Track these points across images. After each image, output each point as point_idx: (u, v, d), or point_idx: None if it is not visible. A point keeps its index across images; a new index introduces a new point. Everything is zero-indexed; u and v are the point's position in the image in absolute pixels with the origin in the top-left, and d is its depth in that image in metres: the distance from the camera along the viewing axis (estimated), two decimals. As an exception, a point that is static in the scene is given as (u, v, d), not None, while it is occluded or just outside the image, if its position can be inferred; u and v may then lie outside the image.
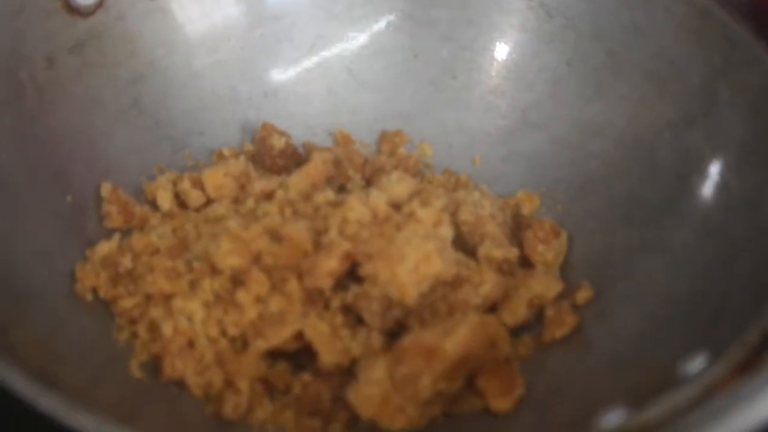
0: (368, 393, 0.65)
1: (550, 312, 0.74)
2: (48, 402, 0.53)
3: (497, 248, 0.74)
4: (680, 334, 0.66)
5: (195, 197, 0.80)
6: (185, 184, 0.80)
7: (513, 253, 0.76)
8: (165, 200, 0.80)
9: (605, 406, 0.61)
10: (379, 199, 0.71)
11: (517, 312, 0.72)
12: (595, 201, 0.83)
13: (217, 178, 0.79)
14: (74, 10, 0.80)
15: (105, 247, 0.73)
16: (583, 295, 0.76)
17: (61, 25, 0.79)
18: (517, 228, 0.82)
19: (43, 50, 0.78)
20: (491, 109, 0.91)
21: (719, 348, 0.60)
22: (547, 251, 0.78)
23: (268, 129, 0.87)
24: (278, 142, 0.85)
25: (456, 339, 0.65)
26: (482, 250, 0.74)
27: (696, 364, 0.61)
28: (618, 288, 0.75)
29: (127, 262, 0.72)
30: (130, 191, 0.80)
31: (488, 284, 0.72)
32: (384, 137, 0.90)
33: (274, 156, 0.85)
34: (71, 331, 0.67)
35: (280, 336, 0.67)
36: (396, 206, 0.73)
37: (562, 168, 0.86)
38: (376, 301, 0.69)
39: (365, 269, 0.68)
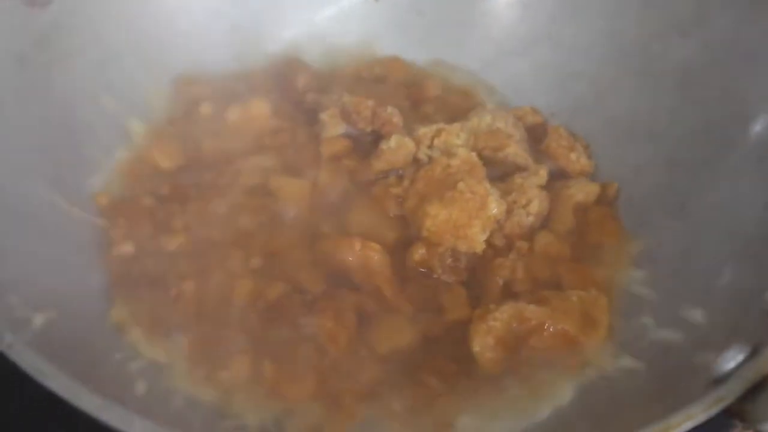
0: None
1: (593, 215, 0.76)
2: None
3: (532, 175, 0.77)
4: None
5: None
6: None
7: (544, 170, 0.78)
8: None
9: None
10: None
11: (565, 220, 0.74)
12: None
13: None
14: (33, 2, 0.74)
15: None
16: (611, 190, 0.78)
17: (24, 22, 0.74)
18: (534, 140, 0.83)
19: (12, 50, 0.72)
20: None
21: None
22: (579, 157, 0.80)
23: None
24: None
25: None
26: (517, 179, 0.77)
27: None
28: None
29: None
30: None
31: (535, 201, 0.74)
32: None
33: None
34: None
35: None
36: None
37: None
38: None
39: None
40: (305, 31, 0.92)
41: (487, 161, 0.78)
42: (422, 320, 0.71)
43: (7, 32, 0.73)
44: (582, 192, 0.77)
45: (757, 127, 0.72)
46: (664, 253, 0.74)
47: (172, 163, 0.80)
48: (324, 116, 0.81)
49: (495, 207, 0.74)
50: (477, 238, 0.73)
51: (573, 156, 0.80)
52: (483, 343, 0.69)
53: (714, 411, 0.51)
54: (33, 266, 0.64)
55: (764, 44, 0.73)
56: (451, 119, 0.82)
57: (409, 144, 0.79)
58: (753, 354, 0.55)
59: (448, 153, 0.78)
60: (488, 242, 0.75)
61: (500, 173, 0.79)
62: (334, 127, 0.81)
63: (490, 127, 0.79)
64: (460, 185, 0.73)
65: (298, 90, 0.87)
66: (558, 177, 0.80)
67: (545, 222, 0.77)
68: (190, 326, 0.70)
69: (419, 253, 0.74)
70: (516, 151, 0.79)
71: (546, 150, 0.81)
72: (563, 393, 0.67)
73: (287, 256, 0.74)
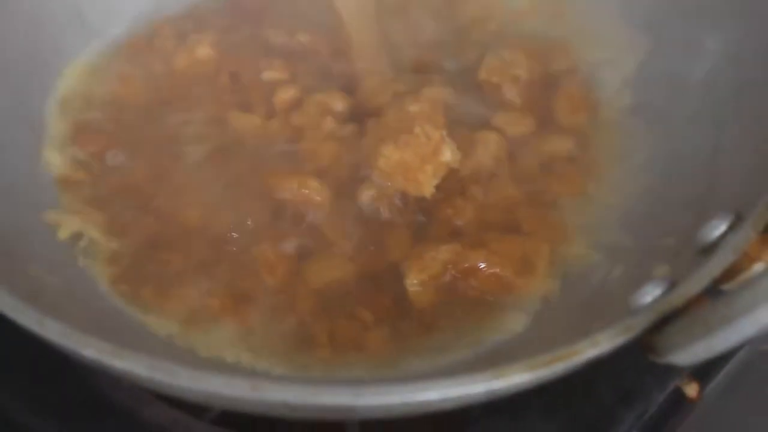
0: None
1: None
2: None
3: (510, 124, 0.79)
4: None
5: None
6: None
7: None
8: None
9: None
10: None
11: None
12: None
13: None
14: None
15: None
16: None
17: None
18: (546, 88, 0.84)
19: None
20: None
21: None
22: (578, 117, 0.81)
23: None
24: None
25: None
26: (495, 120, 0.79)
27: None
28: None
29: None
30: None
31: (492, 146, 0.77)
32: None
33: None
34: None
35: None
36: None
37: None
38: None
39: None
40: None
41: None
42: (361, 257, 0.71)
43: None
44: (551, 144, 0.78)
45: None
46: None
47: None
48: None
49: (449, 154, 0.73)
50: (427, 182, 0.73)
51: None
52: (416, 280, 0.69)
53: (621, 340, 0.50)
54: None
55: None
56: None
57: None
58: (670, 289, 0.54)
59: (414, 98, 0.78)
60: (441, 187, 0.74)
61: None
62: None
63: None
64: (417, 129, 0.73)
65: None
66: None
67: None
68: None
69: (367, 193, 0.74)
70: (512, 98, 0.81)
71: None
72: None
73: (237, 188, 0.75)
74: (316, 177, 0.74)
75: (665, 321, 0.52)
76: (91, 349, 0.47)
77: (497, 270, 0.69)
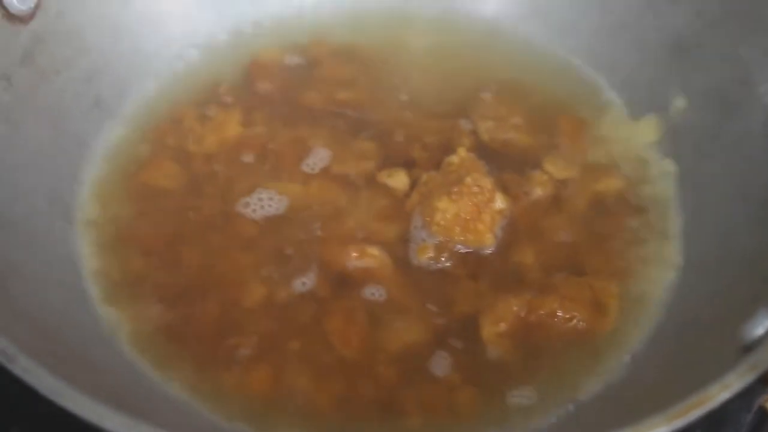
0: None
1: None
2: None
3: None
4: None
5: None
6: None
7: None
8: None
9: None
10: None
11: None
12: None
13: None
14: (14, 18, 0.72)
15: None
16: None
17: (6, 38, 0.72)
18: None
19: (-1, 70, 0.70)
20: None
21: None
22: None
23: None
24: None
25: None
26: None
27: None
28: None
29: None
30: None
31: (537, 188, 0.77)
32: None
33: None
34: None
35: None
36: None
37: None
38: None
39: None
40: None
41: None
42: (432, 317, 0.70)
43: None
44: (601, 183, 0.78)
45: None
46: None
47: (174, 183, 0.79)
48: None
49: (500, 201, 0.74)
50: (487, 232, 0.73)
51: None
52: (493, 332, 0.68)
53: (749, 379, 0.51)
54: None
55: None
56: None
57: None
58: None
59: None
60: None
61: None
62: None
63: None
64: (467, 179, 0.73)
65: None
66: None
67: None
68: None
69: (427, 251, 0.73)
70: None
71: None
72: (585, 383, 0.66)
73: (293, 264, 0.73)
74: (372, 244, 0.73)
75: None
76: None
77: (572, 314, 0.69)
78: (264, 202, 0.77)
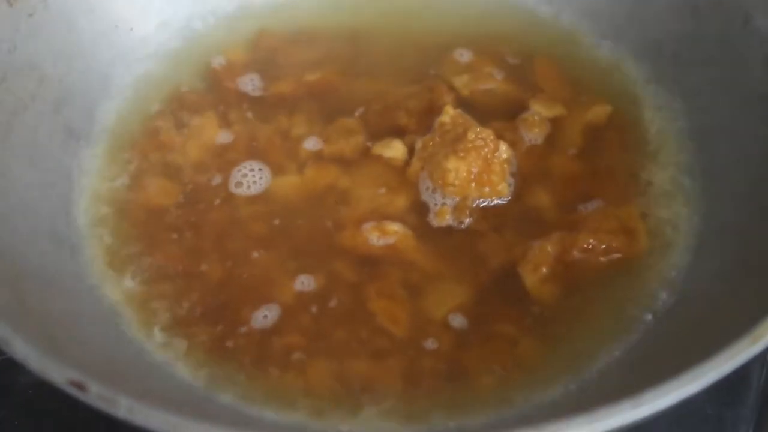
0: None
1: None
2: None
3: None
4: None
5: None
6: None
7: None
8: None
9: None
10: None
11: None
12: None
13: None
14: None
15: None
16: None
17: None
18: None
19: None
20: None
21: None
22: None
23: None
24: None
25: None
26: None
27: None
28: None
29: None
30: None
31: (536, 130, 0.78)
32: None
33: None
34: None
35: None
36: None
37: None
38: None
39: None
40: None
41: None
42: (467, 276, 0.70)
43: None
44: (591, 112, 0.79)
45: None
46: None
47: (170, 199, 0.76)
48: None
49: (504, 149, 0.74)
50: (500, 182, 0.73)
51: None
52: (536, 279, 0.69)
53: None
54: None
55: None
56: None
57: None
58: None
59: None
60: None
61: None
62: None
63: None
64: (469, 134, 0.72)
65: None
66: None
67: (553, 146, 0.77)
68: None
69: (446, 213, 0.73)
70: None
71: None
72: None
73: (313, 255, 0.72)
74: (388, 219, 0.72)
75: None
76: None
77: (607, 244, 0.70)
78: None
